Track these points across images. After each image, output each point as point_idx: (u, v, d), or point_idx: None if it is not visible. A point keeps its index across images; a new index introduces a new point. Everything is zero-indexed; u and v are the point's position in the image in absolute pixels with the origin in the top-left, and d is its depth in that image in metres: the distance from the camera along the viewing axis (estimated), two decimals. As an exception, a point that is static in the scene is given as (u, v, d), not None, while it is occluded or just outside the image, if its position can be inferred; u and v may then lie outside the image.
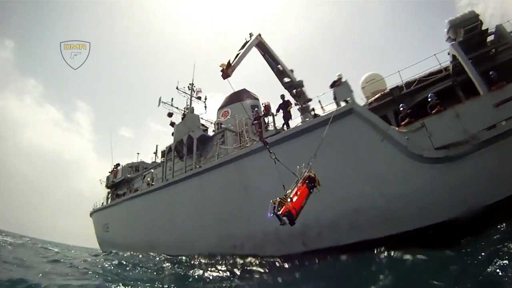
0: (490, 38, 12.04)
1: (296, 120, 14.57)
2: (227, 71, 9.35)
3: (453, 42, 11.54)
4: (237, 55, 11.32)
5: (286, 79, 14.51)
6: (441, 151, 9.69)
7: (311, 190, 6.12)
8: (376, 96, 14.10)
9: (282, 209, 5.13)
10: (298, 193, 5.77)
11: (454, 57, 11.60)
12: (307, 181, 6.13)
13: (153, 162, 29.09)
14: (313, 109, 14.19)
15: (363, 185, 10.57)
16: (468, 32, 11.41)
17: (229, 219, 14.29)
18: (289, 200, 5.42)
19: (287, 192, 5.72)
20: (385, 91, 13.98)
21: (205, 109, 25.35)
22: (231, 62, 10.04)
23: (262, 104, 16.39)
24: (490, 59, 11.99)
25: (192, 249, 16.11)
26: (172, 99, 24.30)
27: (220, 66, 9.33)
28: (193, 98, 25.07)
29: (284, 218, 5.05)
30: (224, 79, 9.23)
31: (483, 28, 11.54)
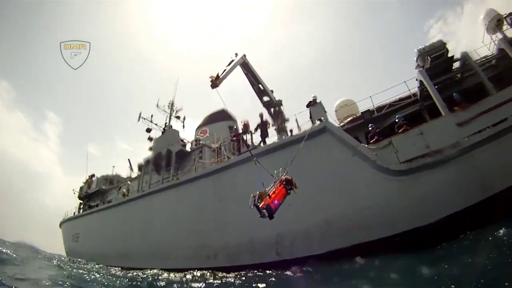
0: (457, 65, 12.78)
1: (272, 138, 15.03)
2: (215, 82, 9.86)
3: (420, 69, 12.28)
4: (224, 70, 11.89)
5: (266, 98, 15.06)
6: (405, 164, 10.48)
7: (288, 192, 6.61)
8: (349, 119, 14.81)
9: (262, 203, 5.60)
10: (276, 191, 6.26)
11: (421, 82, 12.32)
12: (284, 183, 6.63)
13: (128, 176, 28.91)
14: (291, 131, 14.68)
15: (335, 197, 11.25)
16: (435, 60, 12.19)
17: (204, 230, 14.55)
18: (267, 196, 5.90)
19: (266, 189, 6.18)
20: (357, 114, 14.71)
21: (183, 128, 25.42)
22: (219, 74, 10.57)
23: (241, 121, 16.84)
24: (456, 85, 12.73)
25: (165, 260, 16.24)
26: (152, 115, 24.45)
27: (209, 78, 9.82)
28: (172, 117, 25.26)
29: (264, 210, 5.52)
30: (212, 88, 9.72)
31: (449, 55, 12.31)
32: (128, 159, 29.27)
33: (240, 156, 14.41)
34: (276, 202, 5.84)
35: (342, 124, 14.78)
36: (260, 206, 5.45)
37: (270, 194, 5.97)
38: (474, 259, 7.60)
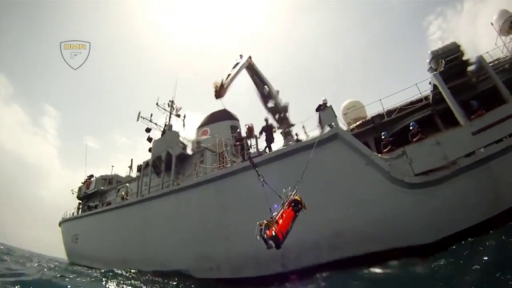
0: (471, 68, 12.29)
1: (278, 144, 14.58)
2: (220, 91, 9.34)
3: (435, 72, 11.83)
4: (229, 75, 11.29)
5: (271, 104, 14.50)
6: (420, 177, 10.02)
7: (297, 214, 6.11)
8: (358, 123, 14.35)
9: (268, 232, 5.07)
10: (284, 216, 5.75)
11: (435, 86, 11.89)
12: (292, 204, 6.12)
13: (127, 176, 28.56)
14: (296, 134, 14.22)
15: (346, 209, 10.78)
16: (449, 63, 11.74)
17: (206, 240, 14.01)
18: (275, 223, 5.39)
19: (273, 214, 5.69)
20: (366, 118, 14.31)
21: (184, 127, 24.90)
22: (223, 83, 10.03)
23: (246, 125, 16.32)
24: (471, 89, 12.32)
25: (165, 268, 15.66)
26: (152, 114, 23.96)
27: (213, 86, 9.32)
28: (172, 116, 24.69)
29: (271, 242, 5.02)
30: (216, 98, 9.25)
31: (464, 58, 11.86)
32: (131, 159, 28.93)
33: (243, 163, 13.76)
34: (284, 230, 5.42)
35: (351, 128, 14.32)
36: (266, 237, 5.03)
37: (278, 219, 5.54)
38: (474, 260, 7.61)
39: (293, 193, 6.51)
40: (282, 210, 5.96)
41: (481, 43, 12.88)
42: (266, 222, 5.34)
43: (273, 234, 5.07)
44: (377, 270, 9.18)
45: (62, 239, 31.96)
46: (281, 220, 5.55)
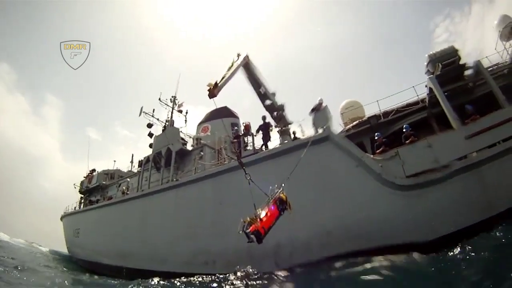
0: (468, 72, 12.32)
1: (275, 142, 14.72)
2: (213, 91, 9.48)
3: (431, 76, 11.95)
4: (224, 76, 11.42)
5: (268, 102, 14.59)
6: (411, 179, 10.11)
7: (282, 212, 6.35)
8: (354, 123, 14.44)
9: (251, 227, 5.37)
10: (268, 214, 6.00)
11: (431, 89, 11.99)
12: (277, 203, 6.35)
13: (128, 171, 28.71)
14: (294, 132, 14.29)
15: (337, 209, 10.90)
16: (446, 66, 11.80)
17: (202, 235, 14.23)
18: (258, 220, 5.66)
19: (258, 211, 5.93)
20: (363, 118, 14.38)
21: (185, 123, 25.02)
22: (218, 82, 10.17)
23: (243, 123, 16.53)
24: (468, 93, 12.39)
25: (163, 263, 15.99)
26: (154, 110, 24.17)
27: (207, 86, 9.47)
28: (174, 111, 24.89)
29: (252, 236, 5.30)
30: (210, 98, 9.36)
31: (461, 63, 11.91)
32: (132, 154, 29.08)
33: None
34: (266, 226, 5.76)
35: (347, 127, 14.45)
36: (248, 231, 5.41)
37: (262, 217, 5.78)
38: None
39: (279, 191, 6.76)
40: (267, 207, 6.22)
41: (487, 47, 12.89)
42: (249, 220, 5.65)
43: (256, 230, 5.38)
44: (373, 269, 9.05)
45: (64, 233, 32.38)
46: (265, 218, 5.84)
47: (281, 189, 6.82)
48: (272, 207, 6.25)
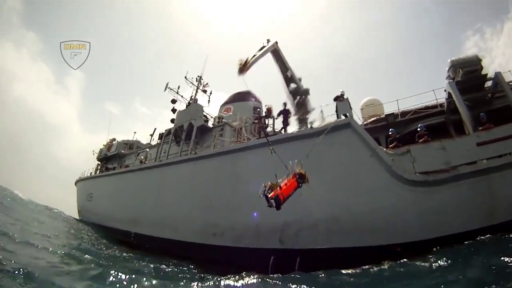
0: (489, 84, 12.51)
1: (292, 128, 15.09)
2: (243, 68, 9.97)
3: (451, 81, 12.24)
4: (254, 55, 11.91)
5: (293, 86, 15.07)
6: (421, 176, 10.35)
7: (300, 185, 6.89)
8: (372, 119, 14.85)
9: (272, 193, 5.91)
10: (288, 184, 6.55)
11: (449, 94, 12.27)
12: (297, 177, 6.91)
13: (147, 143, 29.36)
14: (311, 123, 14.55)
15: (346, 195, 11.25)
16: (467, 74, 11.98)
17: (215, 208, 14.71)
18: (278, 187, 6.19)
19: (279, 180, 6.48)
20: (381, 116, 14.76)
21: (208, 103, 25.48)
22: (248, 60, 10.64)
23: (265, 106, 16.97)
24: (486, 104, 12.50)
25: (173, 231, 16.59)
26: (179, 87, 24.70)
27: (238, 63, 9.93)
28: (198, 91, 25.40)
29: (272, 201, 5.82)
30: (239, 74, 9.83)
31: (483, 73, 12.11)
32: (154, 128, 29.40)
33: (259, 140, 14.41)
34: (285, 194, 6.15)
35: (365, 123, 14.82)
36: (269, 196, 5.80)
37: (282, 185, 6.29)
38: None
39: (300, 167, 7.31)
40: (287, 179, 6.79)
41: None
42: (270, 184, 6.18)
43: (276, 196, 5.91)
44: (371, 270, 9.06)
45: (76, 197, 33.33)
46: (284, 186, 6.39)
47: (301, 165, 7.35)
48: (292, 179, 6.81)
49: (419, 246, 9.57)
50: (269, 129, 17.54)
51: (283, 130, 15.32)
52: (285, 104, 15.49)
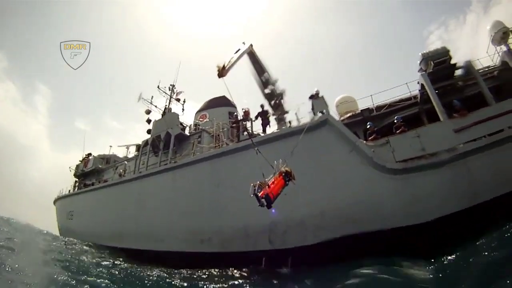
0: (458, 72, 12.87)
1: (272, 129, 15.29)
2: (222, 71, 10.05)
3: (423, 73, 12.51)
4: (231, 59, 12.00)
5: (268, 90, 15.12)
6: (400, 164, 10.78)
7: (287, 183, 6.93)
8: (348, 115, 15.05)
9: (261, 192, 5.92)
10: (275, 182, 6.57)
11: (422, 86, 12.59)
12: (283, 174, 6.95)
13: (124, 156, 28.88)
14: (289, 122, 14.72)
15: (330, 190, 11.51)
16: (438, 65, 12.33)
17: (199, 214, 14.69)
18: (267, 186, 6.20)
19: (266, 180, 6.50)
20: (357, 111, 15.01)
21: (183, 111, 25.16)
22: (225, 64, 10.73)
23: (242, 109, 17.05)
24: (457, 92, 12.97)
25: (159, 242, 16.47)
26: (152, 97, 24.52)
27: (216, 67, 10.01)
28: (172, 99, 25.19)
29: (263, 200, 5.83)
30: (219, 77, 9.90)
31: (452, 62, 12.47)
32: (129, 142, 29.20)
33: (239, 143, 14.53)
34: (274, 192, 6.17)
35: (342, 119, 14.93)
36: (259, 195, 5.78)
37: (269, 184, 6.30)
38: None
39: (285, 165, 7.36)
40: (274, 177, 6.82)
41: (478, 55, 13.21)
42: (259, 183, 6.19)
43: (266, 194, 5.92)
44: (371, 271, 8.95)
45: (56, 216, 32.38)
46: (272, 185, 6.41)
47: (285, 163, 7.40)
48: (279, 177, 6.85)
49: (406, 231, 9.95)
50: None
51: (262, 132, 15.39)
52: (262, 106, 15.61)
